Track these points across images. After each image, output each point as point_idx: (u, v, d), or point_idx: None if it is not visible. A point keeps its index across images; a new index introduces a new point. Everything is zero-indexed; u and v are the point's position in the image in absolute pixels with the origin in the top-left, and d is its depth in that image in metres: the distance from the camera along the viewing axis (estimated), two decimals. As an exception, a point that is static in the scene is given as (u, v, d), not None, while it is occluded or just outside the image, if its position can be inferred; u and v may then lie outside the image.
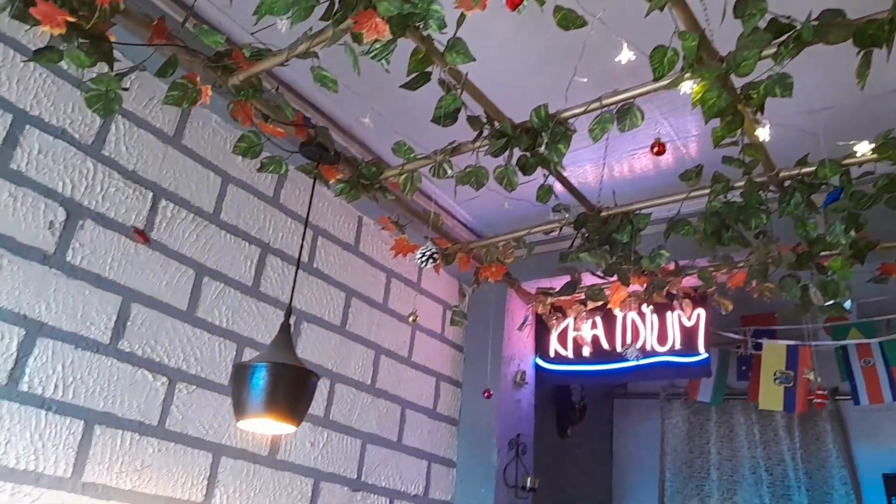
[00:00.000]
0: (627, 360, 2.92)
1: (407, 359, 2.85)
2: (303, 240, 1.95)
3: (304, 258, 2.43)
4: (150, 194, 2.00)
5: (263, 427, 1.70)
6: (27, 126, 1.74)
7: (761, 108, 1.69)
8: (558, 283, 3.00)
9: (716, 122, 1.68)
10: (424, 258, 2.04)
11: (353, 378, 2.55)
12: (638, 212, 2.24)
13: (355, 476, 2.47)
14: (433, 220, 2.45)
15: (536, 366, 3.33)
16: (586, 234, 2.20)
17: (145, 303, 1.93)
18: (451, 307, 3.13)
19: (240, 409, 1.64)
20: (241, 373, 1.64)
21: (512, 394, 3.08)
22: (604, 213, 2.23)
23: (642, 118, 1.76)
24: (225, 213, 2.20)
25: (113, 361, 1.83)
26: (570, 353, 3.28)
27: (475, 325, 3.15)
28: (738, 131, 1.75)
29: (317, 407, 2.34)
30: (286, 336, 1.73)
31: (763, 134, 1.80)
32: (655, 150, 1.82)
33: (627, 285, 2.16)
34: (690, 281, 2.64)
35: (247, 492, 2.09)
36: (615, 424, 4.62)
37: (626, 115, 1.75)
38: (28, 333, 1.67)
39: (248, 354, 2.18)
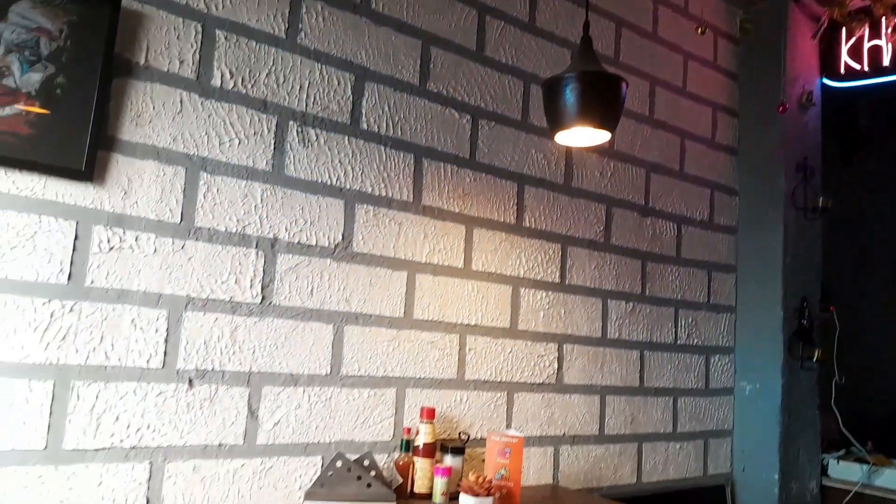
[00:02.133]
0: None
1: (682, 89, 2.74)
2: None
3: (571, -11, 2.35)
4: (426, -65, 2.01)
5: (579, 138, 1.78)
6: None
7: None
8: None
9: None
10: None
11: (631, 110, 2.53)
12: None
13: (643, 202, 2.55)
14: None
15: (822, 86, 3.01)
16: None
17: (441, 46, 2.03)
18: (724, 32, 2.89)
19: (555, 122, 1.72)
20: (553, 86, 1.69)
21: (797, 116, 2.86)
22: None
23: None
24: (493, -53, 2.16)
25: (425, 102, 1.99)
26: (864, 66, 2.90)
27: (750, 49, 2.89)
28: None
29: (602, 137, 2.39)
30: (588, 48, 1.73)
31: None
32: None
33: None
34: None
35: (550, 215, 2.26)
36: (908, 152, 4.12)
37: None
38: (357, 78, 1.86)
39: (534, 90, 2.24)
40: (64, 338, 1.40)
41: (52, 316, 1.39)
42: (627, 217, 2.49)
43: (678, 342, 2.63)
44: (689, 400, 2.64)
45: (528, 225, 2.20)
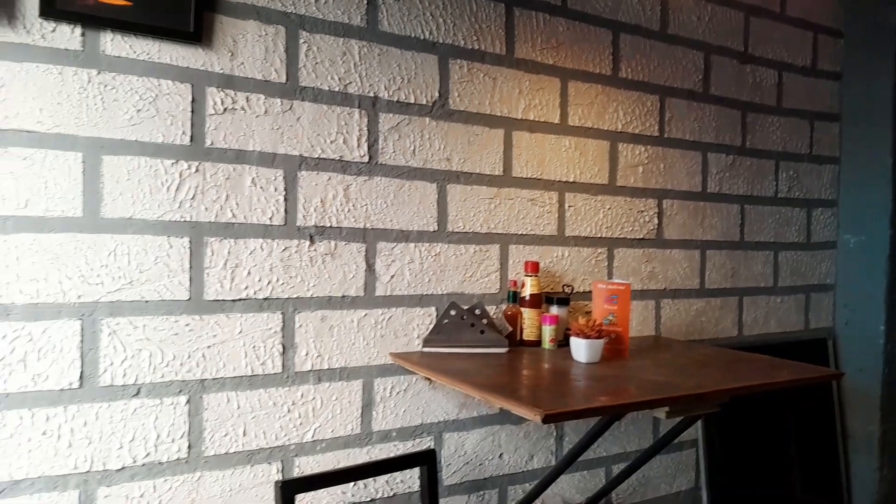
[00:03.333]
0: None
1: (782, -79, 2.51)
2: None
3: None
4: None
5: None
6: None
7: None
8: None
9: None
10: None
11: (728, -53, 2.35)
12: None
13: (742, 49, 2.41)
14: None
15: None
16: None
17: None
18: None
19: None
20: None
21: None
22: None
23: None
24: None
25: (513, -53, 1.90)
26: None
27: None
28: None
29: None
30: None
31: None
32: None
33: None
34: None
35: (647, 65, 2.17)
36: None
37: None
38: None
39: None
40: (193, 197, 1.47)
41: (181, 176, 1.45)
42: (726, 65, 2.37)
43: (779, 195, 2.55)
44: (790, 254, 2.59)
45: (624, 76, 2.12)
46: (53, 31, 1.33)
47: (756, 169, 2.47)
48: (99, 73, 1.37)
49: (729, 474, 2.35)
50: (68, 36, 1.34)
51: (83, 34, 1.36)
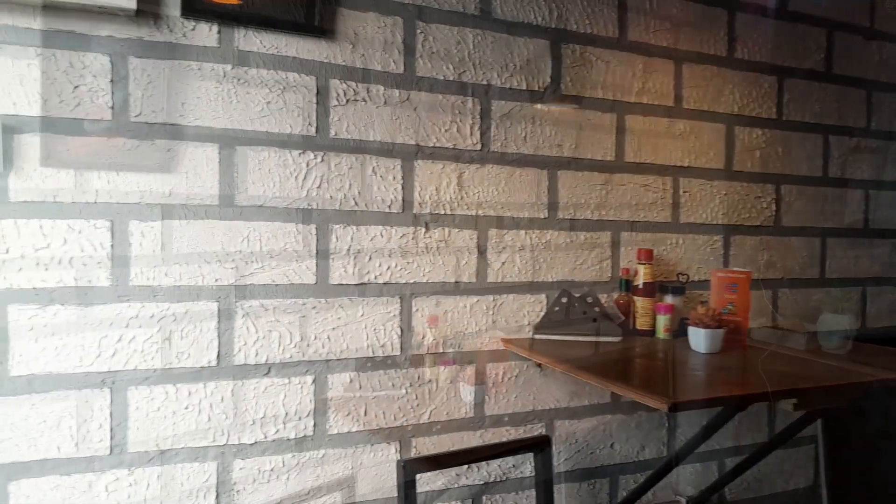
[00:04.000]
0: None
1: None
2: None
3: None
4: None
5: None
6: None
7: None
8: None
9: None
10: None
11: (854, -84, 2.21)
12: None
13: (868, 25, 2.26)
14: None
15: None
16: None
17: None
18: None
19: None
20: None
21: None
22: None
23: None
24: None
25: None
26: None
27: None
28: None
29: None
30: None
31: None
32: None
33: None
34: None
35: (764, 45, 2.07)
36: None
37: None
38: None
39: None
40: (319, 186, 1.52)
41: (307, 165, 1.51)
42: (851, 42, 2.23)
43: (908, 180, 2.39)
44: (919, 242, 2.42)
45: (740, 56, 2.04)
46: (193, 29, 1.41)
47: (883, 151, 2.32)
48: (233, 67, 1.44)
49: (849, 473, 2.23)
50: (206, 33, 1.42)
51: (219, 31, 1.43)
